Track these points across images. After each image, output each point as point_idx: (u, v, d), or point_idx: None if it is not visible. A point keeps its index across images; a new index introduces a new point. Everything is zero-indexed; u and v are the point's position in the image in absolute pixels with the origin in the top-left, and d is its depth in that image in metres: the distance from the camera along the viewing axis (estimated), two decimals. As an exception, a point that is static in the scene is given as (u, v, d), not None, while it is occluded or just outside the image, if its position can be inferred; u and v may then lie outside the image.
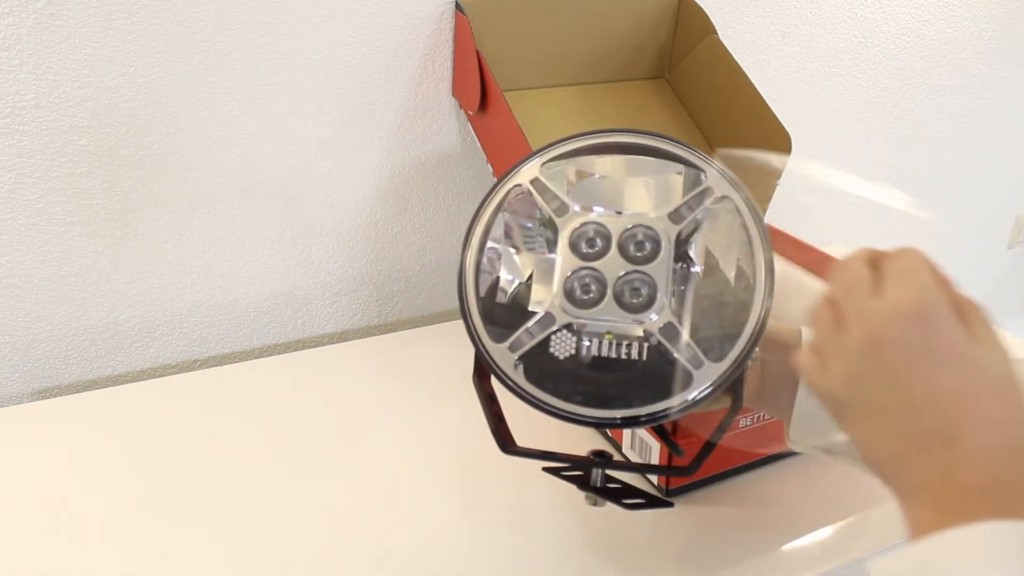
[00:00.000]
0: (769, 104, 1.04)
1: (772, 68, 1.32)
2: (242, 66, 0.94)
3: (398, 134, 1.06)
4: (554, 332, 0.56)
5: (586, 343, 0.56)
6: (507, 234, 0.59)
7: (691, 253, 0.58)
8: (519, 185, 0.58)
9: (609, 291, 0.57)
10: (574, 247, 0.57)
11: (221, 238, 1.01)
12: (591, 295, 0.57)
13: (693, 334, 0.56)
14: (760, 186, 1.07)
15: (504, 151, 0.99)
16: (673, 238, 0.57)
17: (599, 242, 0.58)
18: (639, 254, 0.58)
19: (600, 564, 0.74)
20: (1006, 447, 0.38)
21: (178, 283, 1.01)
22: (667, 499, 0.59)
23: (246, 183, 1.00)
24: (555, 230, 0.58)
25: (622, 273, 0.57)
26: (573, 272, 0.57)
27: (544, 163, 0.59)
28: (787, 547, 0.76)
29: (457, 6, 1.01)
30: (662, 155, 0.59)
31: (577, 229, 0.58)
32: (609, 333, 0.57)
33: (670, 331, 0.56)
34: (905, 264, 0.45)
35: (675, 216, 0.58)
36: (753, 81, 1.05)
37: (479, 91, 0.98)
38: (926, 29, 1.44)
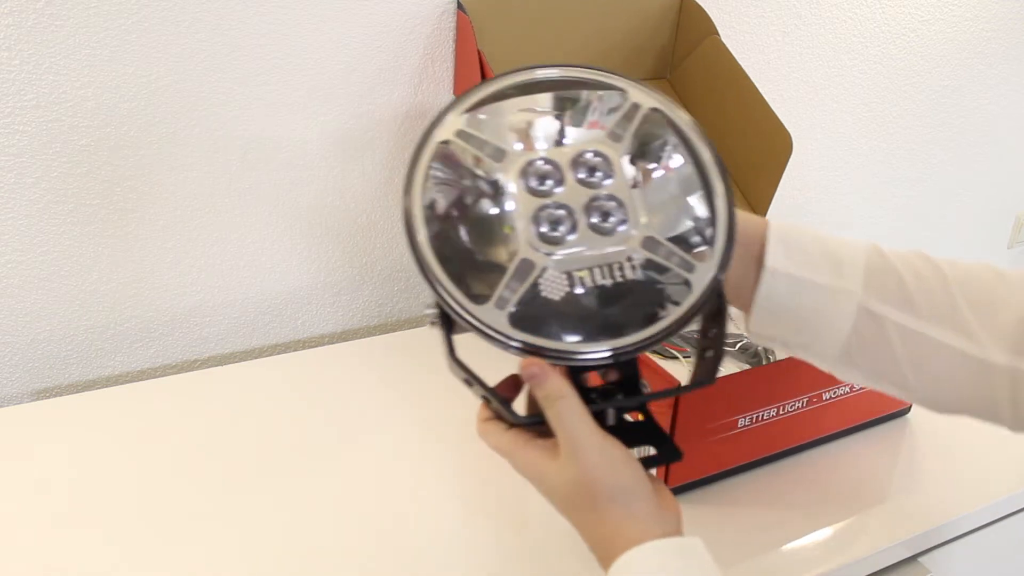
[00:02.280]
0: (769, 104, 1.04)
1: (772, 68, 1.32)
2: (242, 66, 0.94)
3: (398, 134, 1.06)
4: (539, 276, 0.52)
5: (577, 276, 0.53)
6: (447, 194, 0.53)
7: (643, 163, 0.56)
8: (445, 142, 0.54)
9: (581, 220, 0.54)
10: (527, 187, 0.54)
11: (221, 238, 1.01)
12: (563, 228, 0.53)
13: (675, 241, 0.55)
14: (763, 186, 1.07)
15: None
16: (621, 154, 0.56)
17: (551, 176, 0.54)
18: (595, 177, 0.55)
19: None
20: (598, 531, 0.52)
21: (178, 283, 1.01)
22: (678, 449, 0.57)
23: (246, 183, 1.00)
24: (497, 177, 0.54)
25: (585, 200, 0.54)
26: (537, 211, 0.53)
27: (466, 110, 0.55)
28: (787, 547, 0.76)
29: (459, 6, 1.01)
30: (585, 85, 0.57)
31: (525, 168, 0.54)
32: (590, 267, 0.53)
33: (652, 244, 0.54)
34: (492, 443, 0.56)
35: (613, 136, 0.56)
36: (753, 81, 1.05)
37: None
38: (926, 29, 1.44)
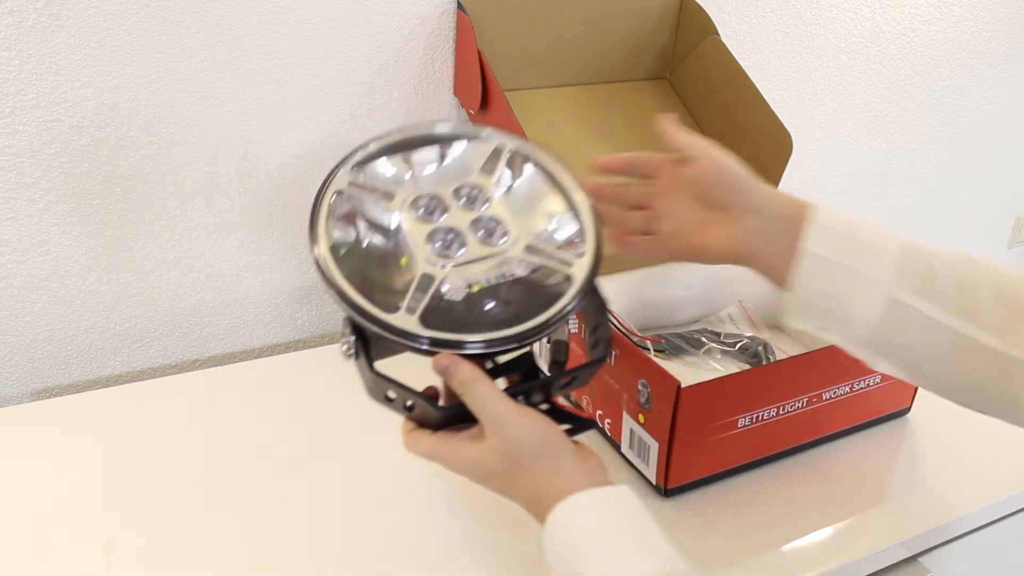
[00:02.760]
0: (770, 104, 1.04)
1: (772, 68, 1.32)
2: (242, 66, 0.94)
3: (398, 134, 1.06)
4: (440, 285, 0.61)
5: (473, 281, 0.62)
6: (348, 233, 0.62)
7: (513, 188, 0.68)
8: (339, 192, 0.63)
9: (468, 237, 0.64)
10: (417, 216, 0.64)
11: (221, 238, 1.01)
12: (454, 245, 0.63)
13: (550, 244, 0.65)
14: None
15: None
16: (494, 183, 0.67)
17: (437, 206, 0.65)
18: (475, 203, 0.66)
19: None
20: (525, 495, 0.58)
21: (178, 283, 1.01)
22: (591, 419, 0.68)
23: (246, 183, 1.00)
24: (390, 214, 0.64)
25: (469, 221, 0.65)
26: (429, 234, 0.63)
27: (355, 165, 0.65)
28: (787, 547, 0.76)
29: (459, 6, 1.01)
30: (461, 136, 0.69)
31: (413, 202, 0.64)
32: (484, 272, 0.63)
33: (533, 249, 0.65)
34: (426, 456, 0.61)
35: (486, 169, 0.68)
36: (753, 81, 1.05)
37: (480, 91, 0.98)
38: (926, 29, 1.44)
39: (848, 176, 1.50)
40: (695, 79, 1.14)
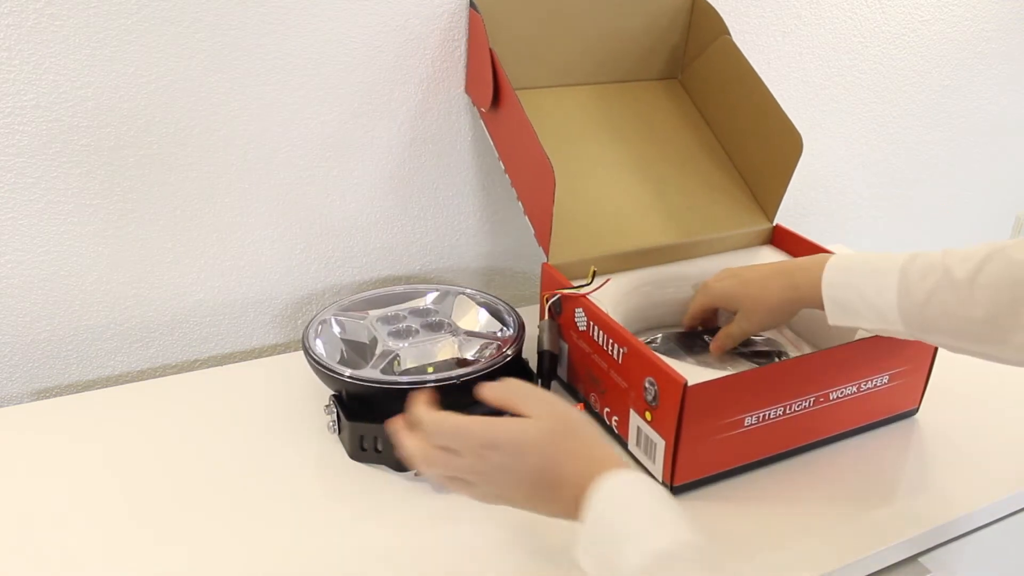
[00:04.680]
0: (780, 105, 1.04)
1: (772, 68, 1.32)
2: (242, 66, 0.94)
3: (398, 133, 1.06)
4: (395, 356, 0.89)
5: (416, 354, 0.91)
6: (333, 342, 0.94)
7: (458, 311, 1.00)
8: (324, 321, 0.94)
9: (420, 330, 0.94)
10: (385, 326, 0.94)
11: (221, 238, 1.01)
12: (408, 335, 0.93)
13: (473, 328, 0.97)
14: (773, 186, 1.07)
15: (516, 149, 0.99)
16: (446, 310, 1.00)
17: (399, 319, 0.96)
18: (428, 315, 0.98)
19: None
20: (582, 459, 0.60)
21: (178, 283, 1.01)
22: None
23: (246, 183, 1.00)
24: (364, 323, 0.95)
25: (420, 323, 0.95)
26: (389, 331, 0.93)
27: (339, 309, 0.97)
28: (790, 546, 0.76)
29: (471, 4, 1.01)
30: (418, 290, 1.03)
31: (381, 318, 0.96)
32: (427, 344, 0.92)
33: (468, 333, 0.95)
34: (441, 429, 0.64)
35: (436, 301, 1.02)
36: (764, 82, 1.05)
37: (491, 89, 0.98)
38: (926, 29, 1.45)
39: (848, 176, 1.50)
40: (706, 79, 1.14)
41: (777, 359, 0.95)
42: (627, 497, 0.57)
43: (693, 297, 0.97)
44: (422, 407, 0.65)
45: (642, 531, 0.55)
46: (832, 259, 0.82)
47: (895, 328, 0.77)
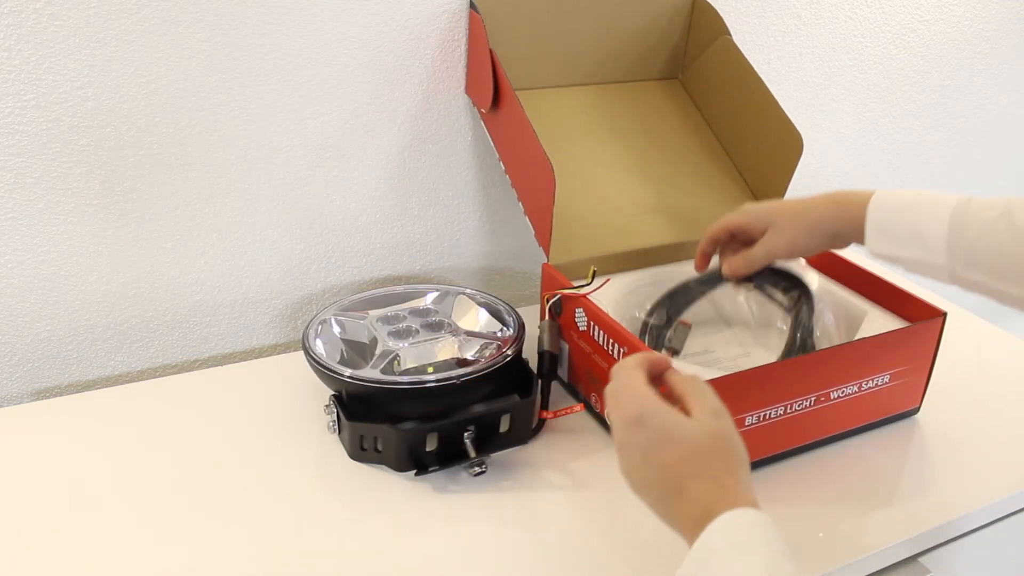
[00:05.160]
0: (780, 105, 1.04)
1: (772, 68, 1.32)
2: (242, 66, 0.94)
3: (398, 134, 1.06)
4: (395, 356, 0.89)
5: (416, 354, 0.91)
6: (334, 343, 0.94)
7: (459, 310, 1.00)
8: (324, 321, 0.94)
9: (420, 330, 0.94)
10: (385, 326, 0.94)
11: (221, 238, 1.01)
12: (408, 334, 0.93)
13: (473, 328, 0.98)
14: (774, 186, 1.07)
15: (516, 150, 0.99)
16: (446, 309, 1.00)
17: (399, 319, 0.96)
18: (428, 315, 0.98)
19: (603, 560, 0.74)
20: (714, 482, 0.56)
21: (178, 283, 1.01)
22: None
23: (246, 183, 1.00)
24: (364, 323, 0.95)
25: (420, 322, 0.95)
26: (390, 331, 0.93)
27: (340, 309, 0.97)
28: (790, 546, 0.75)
29: (471, 5, 1.01)
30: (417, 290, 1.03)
31: (381, 318, 0.96)
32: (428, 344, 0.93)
33: (468, 333, 0.95)
34: (622, 384, 0.62)
35: (436, 301, 1.01)
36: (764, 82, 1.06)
37: (492, 89, 0.98)
38: (926, 29, 1.45)
39: (848, 176, 1.50)
40: (706, 79, 1.14)
41: (798, 291, 0.94)
42: (742, 541, 0.53)
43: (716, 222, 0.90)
44: (631, 360, 0.64)
45: None
46: (881, 190, 0.80)
47: (935, 260, 0.76)
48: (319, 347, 0.90)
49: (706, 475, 0.57)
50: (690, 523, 0.55)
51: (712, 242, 0.90)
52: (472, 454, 0.81)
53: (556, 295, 0.93)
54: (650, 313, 0.95)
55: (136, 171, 0.93)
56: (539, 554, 0.75)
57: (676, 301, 0.95)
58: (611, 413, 0.62)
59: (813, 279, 0.97)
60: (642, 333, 0.93)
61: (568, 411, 0.88)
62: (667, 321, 0.93)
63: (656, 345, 0.91)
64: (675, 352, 0.90)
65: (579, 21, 1.07)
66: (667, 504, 0.58)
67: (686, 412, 0.60)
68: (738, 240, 0.89)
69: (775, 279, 0.95)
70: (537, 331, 0.95)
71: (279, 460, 0.85)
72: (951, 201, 0.76)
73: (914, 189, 0.80)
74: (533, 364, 0.93)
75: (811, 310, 0.93)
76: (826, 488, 0.83)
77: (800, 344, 0.91)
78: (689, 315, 0.95)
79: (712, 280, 0.96)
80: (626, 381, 0.62)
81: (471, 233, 1.17)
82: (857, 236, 0.81)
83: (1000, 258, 0.72)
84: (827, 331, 0.95)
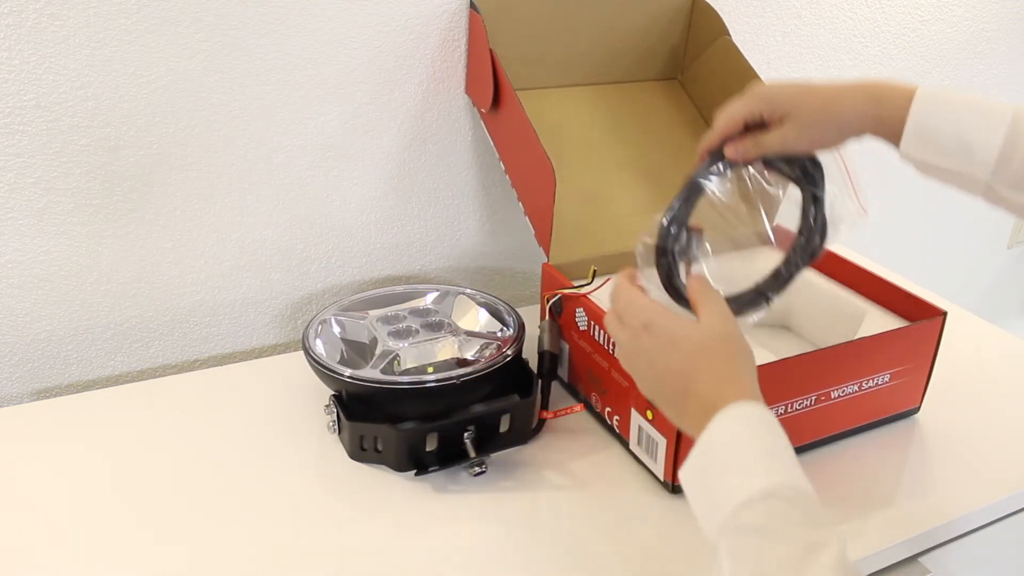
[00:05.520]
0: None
1: (772, 68, 1.32)
2: (242, 66, 0.94)
3: (398, 134, 1.06)
4: (395, 356, 0.89)
5: (416, 354, 0.91)
6: (334, 343, 0.94)
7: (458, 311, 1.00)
8: (323, 321, 0.95)
9: (420, 330, 0.94)
10: (385, 326, 0.94)
11: (221, 238, 1.01)
12: (407, 334, 0.93)
13: (473, 328, 0.98)
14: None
15: (516, 150, 0.99)
16: (446, 310, 1.00)
17: (399, 319, 0.96)
18: (427, 316, 0.97)
19: (603, 560, 0.74)
20: (719, 379, 0.59)
21: (178, 283, 1.01)
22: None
23: (246, 183, 1.00)
24: (364, 323, 0.95)
25: (420, 323, 0.95)
26: (390, 331, 0.93)
27: (340, 309, 0.97)
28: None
29: (472, 5, 1.01)
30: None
31: (381, 318, 0.96)
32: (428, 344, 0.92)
33: (468, 333, 0.95)
34: (624, 301, 0.65)
35: (436, 301, 1.01)
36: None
37: (492, 90, 0.98)
38: (926, 29, 1.45)
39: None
40: (706, 80, 1.14)
41: (814, 177, 0.78)
42: (743, 430, 0.56)
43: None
44: (624, 278, 0.67)
45: (747, 468, 0.54)
46: (925, 87, 0.71)
47: (977, 174, 0.69)
48: (319, 347, 0.90)
49: (711, 372, 0.59)
50: (697, 421, 0.58)
51: (723, 139, 0.75)
52: (472, 454, 0.81)
53: (556, 295, 0.93)
54: (663, 236, 0.74)
55: (136, 171, 0.93)
56: (539, 554, 0.75)
57: (681, 209, 0.75)
58: (616, 330, 0.65)
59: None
60: (660, 256, 0.73)
61: (568, 411, 0.88)
62: (679, 233, 0.76)
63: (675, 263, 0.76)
64: (693, 261, 0.76)
65: (579, 21, 1.07)
66: (677, 407, 0.61)
67: (695, 314, 0.63)
68: (750, 132, 0.76)
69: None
70: (537, 331, 0.95)
71: (279, 460, 0.85)
72: (1007, 111, 0.68)
73: (961, 92, 0.71)
74: (533, 364, 0.93)
75: (821, 179, 0.78)
76: (826, 488, 0.83)
77: (815, 225, 0.77)
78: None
79: (713, 170, 0.77)
80: (628, 298, 0.64)
81: (471, 233, 1.17)
82: (891, 136, 0.72)
83: None
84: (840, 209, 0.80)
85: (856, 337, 0.86)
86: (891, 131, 0.72)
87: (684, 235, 0.72)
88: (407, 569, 0.72)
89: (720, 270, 0.72)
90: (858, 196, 0.80)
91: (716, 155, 0.75)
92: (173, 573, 0.71)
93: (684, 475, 0.58)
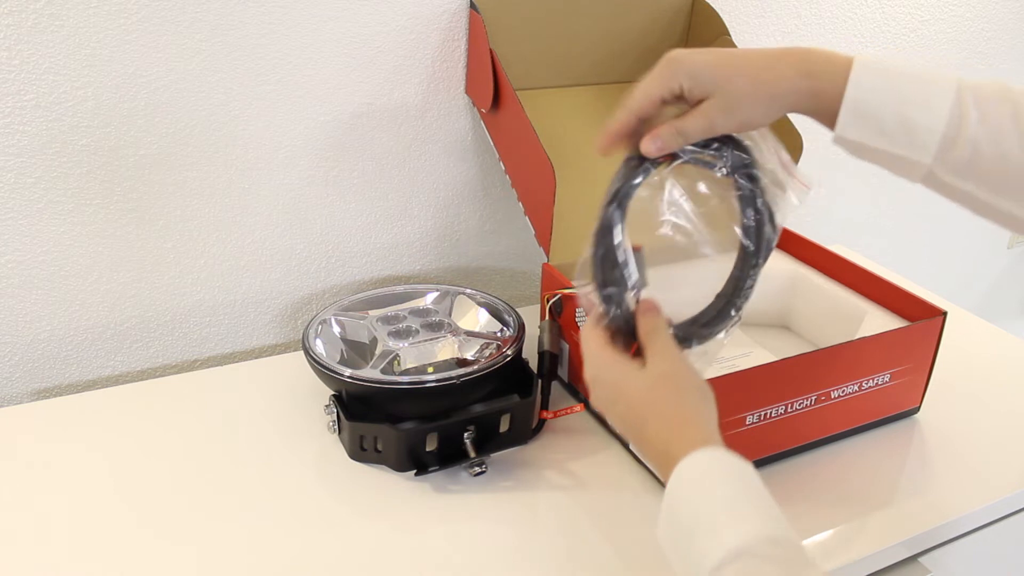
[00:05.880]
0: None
1: (772, 68, 1.32)
2: (242, 66, 0.94)
3: (398, 133, 1.06)
4: (395, 356, 0.89)
5: (416, 354, 0.91)
6: (334, 343, 0.94)
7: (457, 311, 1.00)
8: (324, 321, 0.95)
9: (420, 330, 0.94)
10: (385, 326, 0.94)
11: (221, 238, 1.01)
12: (407, 334, 0.93)
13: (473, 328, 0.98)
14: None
15: (516, 150, 0.99)
16: (445, 309, 1.00)
17: (399, 319, 0.96)
18: (428, 316, 0.97)
19: (603, 560, 0.74)
20: (669, 427, 0.58)
21: (178, 283, 1.01)
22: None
23: (246, 183, 1.00)
24: (364, 323, 0.95)
25: (419, 323, 0.95)
26: (390, 331, 0.93)
27: (340, 309, 0.97)
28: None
29: (472, 5, 1.01)
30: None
31: (381, 318, 0.96)
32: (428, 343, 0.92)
33: (468, 333, 0.95)
34: (583, 349, 0.65)
35: (436, 301, 1.01)
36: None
37: (492, 90, 0.98)
38: (926, 29, 1.45)
39: (848, 175, 1.50)
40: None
41: (746, 160, 0.68)
42: (703, 483, 0.55)
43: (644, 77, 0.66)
44: (593, 334, 0.65)
45: (714, 526, 0.52)
46: (863, 56, 0.62)
47: (917, 158, 0.61)
48: (319, 347, 0.90)
49: (660, 420, 0.58)
50: (662, 472, 0.58)
51: (634, 119, 0.66)
52: (472, 454, 0.81)
53: (556, 295, 0.93)
54: (601, 284, 0.68)
55: (136, 171, 0.93)
56: (539, 554, 0.75)
57: (608, 241, 0.69)
58: (585, 380, 0.66)
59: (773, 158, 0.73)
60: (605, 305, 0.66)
61: (568, 411, 0.88)
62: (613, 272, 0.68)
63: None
64: (642, 288, 0.68)
65: (579, 21, 1.07)
66: (641, 449, 0.61)
67: (643, 356, 0.62)
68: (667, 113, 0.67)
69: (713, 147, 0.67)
70: (537, 331, 0.95)
71: (279, 460, 0.85)
72: (953, 83, 0.60)
73: (902, 61, 0.63)
74: (533, 364, 0.93)
75: (752, 160, 0.68)
76: (826, 488, 0.83)
77: (757, 224, 0.68)
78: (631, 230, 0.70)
79: (634, 169, 0.68)
80: (584, 347, 0.65)
81: (471, 233, 1.17)
82: (825, 114, 0.64)
83: (1006, 164, 0.60)
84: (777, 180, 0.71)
85: (856, 337, 0.86)
86: (826, 108, 0.63)
87: (620, 271, 0.65)
88: (407, 569, 0.72)
89: (672, 287, 0.66)
90: (791, 171, 0.71)
91: (634, 159, 0.67)
92: (173, 573, 0.71)
93: (659, 537, 0.57)
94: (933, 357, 0.91)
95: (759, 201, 0.67)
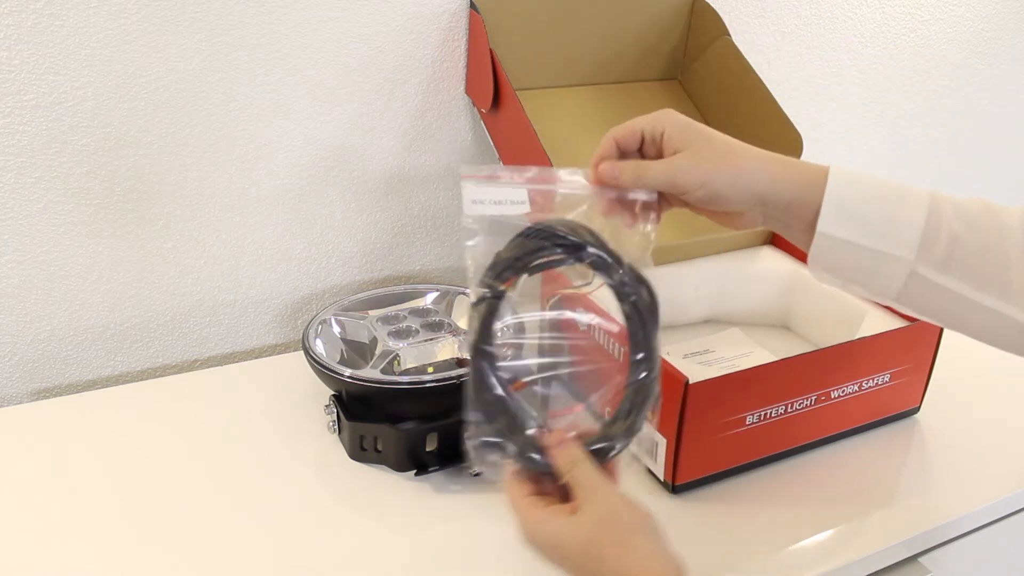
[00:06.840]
0: (780, 105, 1.04)
1: (772, 68, 1.32)
2: (242, 66, 0.94)
3: (398, 133, 1.06)
4: (395, 356, 0.88)
5: (416, 354, 0.90)
6: (335, 344, 0.94)
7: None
8: (324, 321, 0.94)
9: (420, 330, 0.93)
10: (385, 326, 0.94)
11: (221, 238, 1.01)
12: (407, 334, 0.93)
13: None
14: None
15: (516, 150, 0.99)
16: (445, 311, 0.99)
17: (399, 320, 0.95)
18: (427, 316, 0.97)
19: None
20: (610, 568, 0.54)
21: (178, 283, 1.01)
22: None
23: (246, 183, 1.00)
24: (365, 323, 0.95)
25: (420, 323, 0.95)
26: (389, 331, 0.93)
27: (341, 309, 0.97)
28: (791, 546, 0.76)
29: (472, 5, 1.01)
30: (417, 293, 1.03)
31: (382, 318, 0.96)
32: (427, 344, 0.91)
33: (462, 332, 0.94)
34: (510, 507, 0.60)
35: (436, 302, 1.01)
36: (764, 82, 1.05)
37: (492, 90, 0.98)
38: (926, 29, 1.45)
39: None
40: (706, 80, 1.14)
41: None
42: None
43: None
44: (515, 491, 0.61)
45: None
46: (836, 164, 0.64)
47: (900, 253, 0.61)
48: (319, 347, 0.90)
49: (603, 564, 0.55)
50: None
51: (614, 147, 0.67)
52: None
53: (556, 295, 0.93)
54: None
55: (136, 171, 0.93)
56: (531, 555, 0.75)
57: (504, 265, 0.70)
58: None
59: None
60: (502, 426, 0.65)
61: (567, 411, 0.87)
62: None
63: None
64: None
65: (579, 21, 1.07)
66: None
67: (573, 498, 0.58)
68: (646, 155, 0.68)
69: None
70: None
71: (279, 460, 0.85)
72: (921, 189, 0.62)
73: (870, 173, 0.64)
74: (533, 364, 0.93)
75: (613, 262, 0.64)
76: (826, 488, 0.83)
77: (634, 305, 0.66)
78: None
79: (486, 311, 0.67)
80: (511, 508, 0.60)
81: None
82: (795, 211, 0.63)
83: (988, 256, 0.60)
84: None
85: (856, 337, 0.86)
86: (797, 202, 0.63)
87: (513, 421, 0.63)
88: (407, 569, 0.72)
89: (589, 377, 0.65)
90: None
91: (480, 301, 0.66)
92: (173, 573, 0.71)
93: None
94: (933, 357, 0.91)
95: (626, 286, 0.64)
